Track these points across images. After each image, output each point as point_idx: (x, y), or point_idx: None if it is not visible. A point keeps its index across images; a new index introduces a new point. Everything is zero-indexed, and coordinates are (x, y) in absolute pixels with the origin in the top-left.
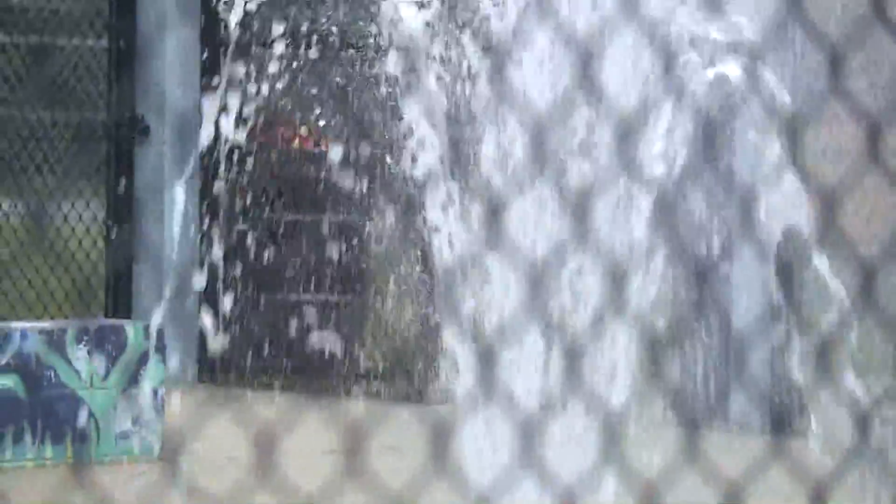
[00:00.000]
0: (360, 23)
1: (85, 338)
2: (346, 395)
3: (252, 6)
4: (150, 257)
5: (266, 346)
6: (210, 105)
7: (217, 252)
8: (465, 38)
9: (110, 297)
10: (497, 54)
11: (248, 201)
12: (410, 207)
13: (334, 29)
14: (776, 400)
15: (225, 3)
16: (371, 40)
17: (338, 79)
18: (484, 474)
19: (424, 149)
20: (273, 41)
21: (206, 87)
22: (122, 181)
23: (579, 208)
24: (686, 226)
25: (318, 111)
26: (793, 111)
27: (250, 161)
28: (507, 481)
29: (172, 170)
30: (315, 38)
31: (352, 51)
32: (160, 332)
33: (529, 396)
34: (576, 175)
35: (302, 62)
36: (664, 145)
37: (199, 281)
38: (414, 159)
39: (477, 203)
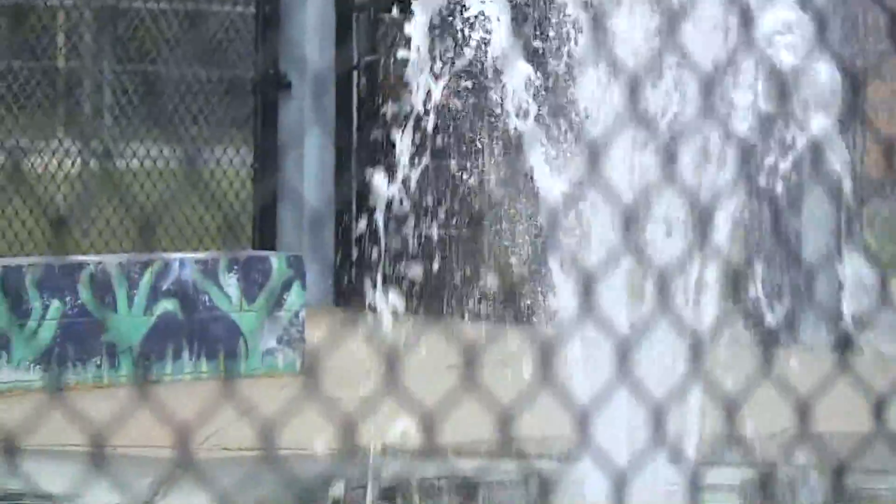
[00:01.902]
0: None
1: (235, 267)
2: (463, 317)
3: None
4: (292, 197)
5: (392, 273)
6: (343, 64)
7: (348, 192)
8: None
9: (257, 231)
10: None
11: (376, 147)
12: (519, 151)
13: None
14: (841, 322)
15: None
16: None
17: (454, 35)
18: (584, 387)
19: (531, 96)
20: (395, 5)
21: (340, 49)
22: (268, 130)
23: (668, 153)
24: (761, 169)
25: (438, 70)
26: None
27: (377, 112)
28: (604, 395)
29: (311, 120)
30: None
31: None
32: (301, 262)
33: (622, 320)
34: (665, 124)
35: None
36: (746, 98)
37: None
38: (521, 108)
39: (575, 145)
